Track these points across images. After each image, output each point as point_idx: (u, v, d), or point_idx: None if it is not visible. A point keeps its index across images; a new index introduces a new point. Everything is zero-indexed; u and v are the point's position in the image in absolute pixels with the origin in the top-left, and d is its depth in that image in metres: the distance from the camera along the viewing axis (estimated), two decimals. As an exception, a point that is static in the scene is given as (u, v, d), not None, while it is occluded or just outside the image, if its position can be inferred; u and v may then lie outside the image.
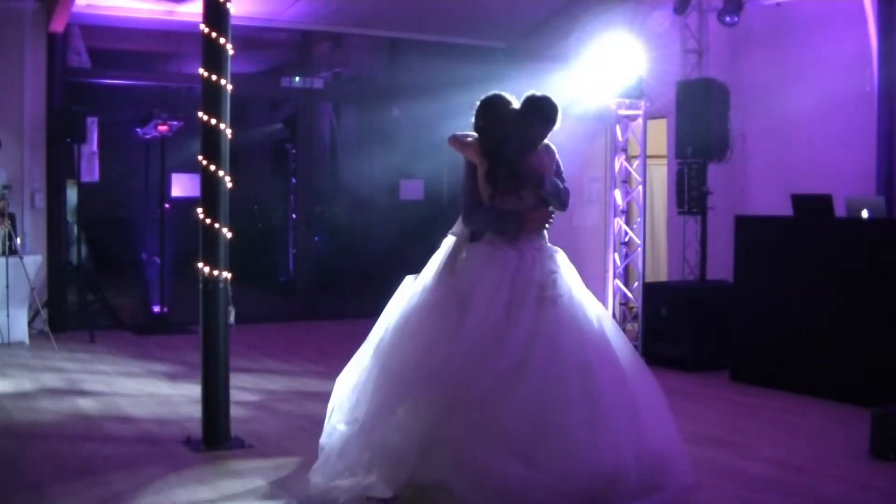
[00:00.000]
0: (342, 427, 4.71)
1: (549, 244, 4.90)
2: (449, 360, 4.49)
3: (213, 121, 5.39)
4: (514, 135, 4.83)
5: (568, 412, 4.37)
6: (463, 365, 4.47)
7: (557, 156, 5.00)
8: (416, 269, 5.01)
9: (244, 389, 7.01)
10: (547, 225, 4.90)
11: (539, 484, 4.20)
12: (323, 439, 4.81)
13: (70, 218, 10.14)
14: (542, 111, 4.86)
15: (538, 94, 4.91)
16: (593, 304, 4.81)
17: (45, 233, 9.82)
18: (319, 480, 4.52)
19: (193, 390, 6.21)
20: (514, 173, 4.77)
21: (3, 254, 8.77)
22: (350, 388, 4.82)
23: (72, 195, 10.11)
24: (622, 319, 9.01)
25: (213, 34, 5.39)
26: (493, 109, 4.92)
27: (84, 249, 10.35)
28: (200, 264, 5.44)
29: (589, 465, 4.27)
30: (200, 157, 5.43)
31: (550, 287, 4.67)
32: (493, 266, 4.69)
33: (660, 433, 4.63)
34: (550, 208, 4.89)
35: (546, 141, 4.98)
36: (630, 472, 4.32)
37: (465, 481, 4.23)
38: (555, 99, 4.91)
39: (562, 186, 4.87)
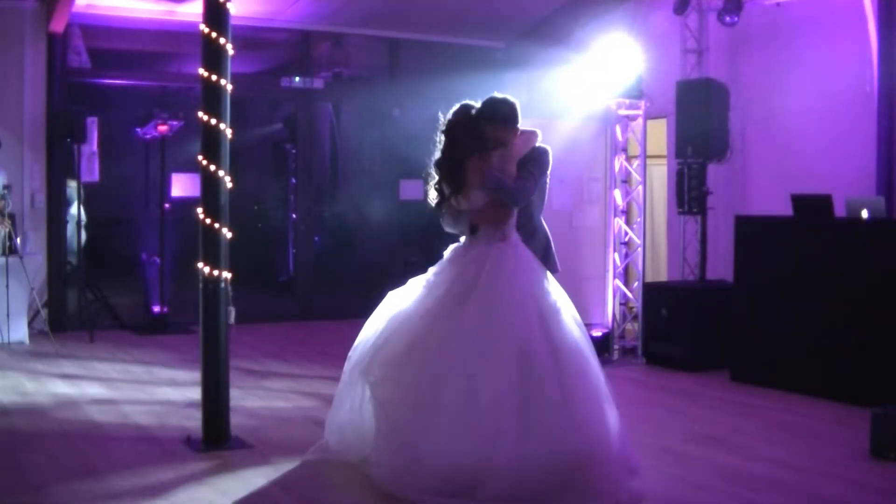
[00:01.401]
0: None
1: (514, 241, 4.91)
2: (384, 353, 4.85)
3: (213, 121, 5.40)
4: (456, 139, 4.94)
5: (448, 400, 4.53)
6: (382, 352, 4.84)
7: (550, 158, 5.02)
8: (417, 268, 5.10)
9: (244, 389, 7.01)
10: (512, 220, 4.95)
11: (417, 465, 4.44)
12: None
13: (73, 214, 10.13)
14: (488, 112, 4.96)
15: (498, 96, 5.02)
16: (543, 301, 4.76)
17: (46, 233, 9.82)
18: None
19: (193, 390, 6.21)
20: (450, 176, 4.96)
21: (3, 254, 8.76)
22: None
23: (72, 194, 10.08)
24: (622, 319, 9.00)
25: (213, 34, 5.39)
26: (448, 118, 5.05)
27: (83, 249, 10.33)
28: (200, 264, 5.44)
29: (456, 455, 4.38)
30: (200, 157, 5.43)
31: (481, 281, 4.74)
32: (447, 264, 4.97)
33: (592, 434, 4.54)
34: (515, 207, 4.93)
35: (539, 143, 5.03)
36: (502, 469, 4.33)
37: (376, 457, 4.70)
38: (512, 99, 5.00)
39: (504, 182, 4.84)
